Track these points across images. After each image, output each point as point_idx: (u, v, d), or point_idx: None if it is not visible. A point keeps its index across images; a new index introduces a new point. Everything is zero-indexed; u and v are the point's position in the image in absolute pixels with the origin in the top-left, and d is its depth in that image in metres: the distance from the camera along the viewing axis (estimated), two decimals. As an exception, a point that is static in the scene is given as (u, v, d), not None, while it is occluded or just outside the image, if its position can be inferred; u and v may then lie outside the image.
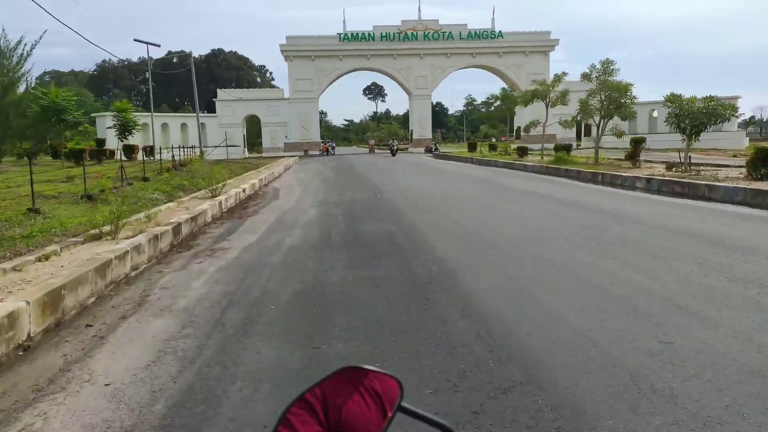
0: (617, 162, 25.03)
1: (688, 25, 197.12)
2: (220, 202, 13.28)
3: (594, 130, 29.38)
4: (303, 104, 59.54)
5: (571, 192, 15.79)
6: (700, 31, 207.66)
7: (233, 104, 58.91)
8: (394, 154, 41.60)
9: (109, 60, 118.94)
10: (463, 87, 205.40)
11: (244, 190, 16.64)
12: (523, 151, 33.37)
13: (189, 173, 23.18)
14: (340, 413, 0.95)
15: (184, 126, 58.55)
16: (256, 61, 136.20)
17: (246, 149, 62.36)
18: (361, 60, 59.91)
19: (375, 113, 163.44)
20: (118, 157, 29.38)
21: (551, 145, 34.41)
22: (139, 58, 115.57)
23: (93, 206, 11.25)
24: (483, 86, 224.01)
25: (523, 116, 63.16)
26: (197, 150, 42.50)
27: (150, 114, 46.39)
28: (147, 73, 55.21)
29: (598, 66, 25.19)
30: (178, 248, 8.77)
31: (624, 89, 24.52)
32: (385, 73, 62.18)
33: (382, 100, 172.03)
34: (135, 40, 34.95)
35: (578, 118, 29.92)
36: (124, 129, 32.38)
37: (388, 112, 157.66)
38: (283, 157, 50.35)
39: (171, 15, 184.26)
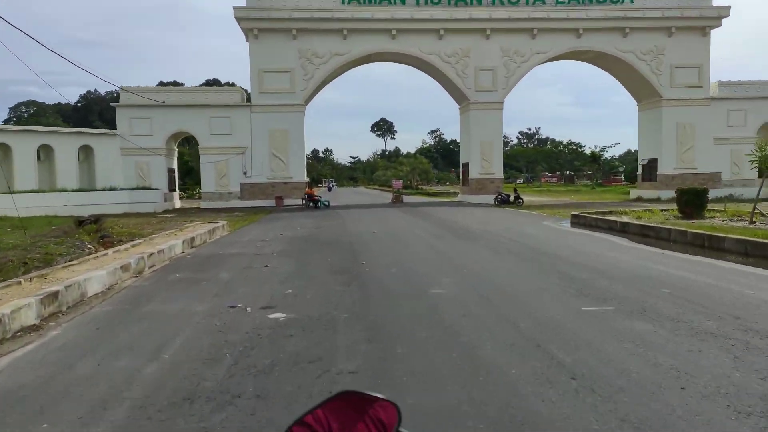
0: None
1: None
2: None
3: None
4: (276, 115, 33.23)
5: None
6: None
7: (149, 114, 32.62)
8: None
9: (95, 90, 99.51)
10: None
11: None
12: None
13: None
14: None
15: (87, 149, 31.81)
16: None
17: (176, 194, 35.93)
18: (381, 39, 33.71)
19: (384, 151, 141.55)
20: None
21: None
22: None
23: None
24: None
25: (649, 146, 36.65)
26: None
27: None
28: None
29: None
30: None
31: None
32: (424, 64, 35.74)
33: (392, 137, 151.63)
34: None
35: None
36: None
37: (398, 150, 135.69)
38: (222, 213, 23.72)
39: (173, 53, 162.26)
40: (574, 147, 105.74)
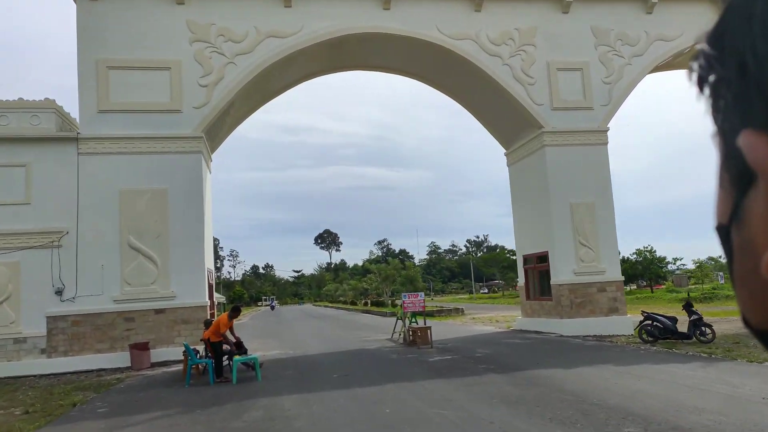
0: None
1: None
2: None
3: None
4: (138, 159, 14.75)
5: None
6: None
7: None
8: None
9: None
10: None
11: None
12: None
13: None
14: None
15: None
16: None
17: None
18: (362, 8, 16.63)
19: (330, 264, 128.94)
20: None
21: None
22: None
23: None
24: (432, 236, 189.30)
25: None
26: None
27: None
28: None
29: None
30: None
31: None
32: (445, 61, 18.50)
33: (337, 249, 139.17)
34: None
35: None
36: None
37: (344, 263, 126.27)
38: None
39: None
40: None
